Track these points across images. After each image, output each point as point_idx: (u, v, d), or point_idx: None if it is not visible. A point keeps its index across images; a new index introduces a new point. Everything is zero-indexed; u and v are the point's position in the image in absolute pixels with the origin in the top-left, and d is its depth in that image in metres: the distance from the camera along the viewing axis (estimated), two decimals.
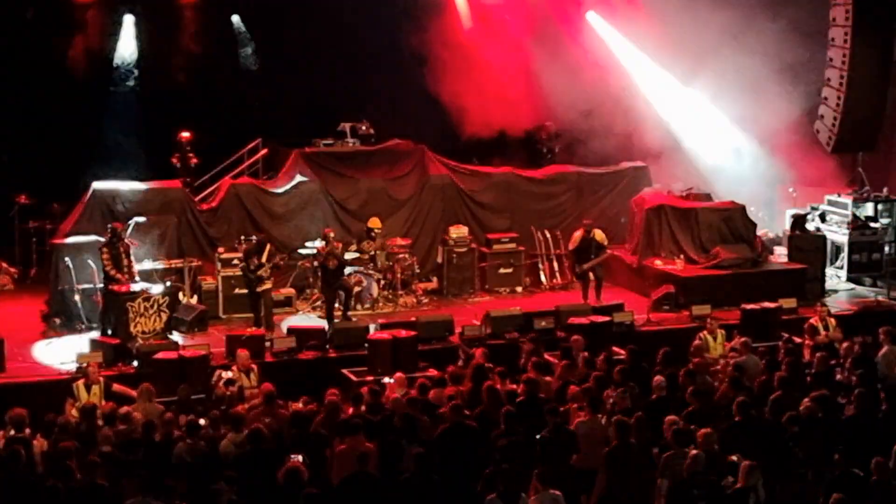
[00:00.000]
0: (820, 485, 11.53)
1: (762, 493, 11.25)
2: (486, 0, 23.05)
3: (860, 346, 15.47)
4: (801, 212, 22.30)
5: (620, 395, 13.32)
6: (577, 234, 20.25)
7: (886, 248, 22.10)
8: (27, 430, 12.82)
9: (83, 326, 18.49)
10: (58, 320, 18.87)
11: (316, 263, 19.41)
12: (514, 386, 14.16)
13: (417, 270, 21.00)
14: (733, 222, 21.41)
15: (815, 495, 11.44)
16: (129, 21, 22.64)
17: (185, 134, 21.55)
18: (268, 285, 18.66)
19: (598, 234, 20.18)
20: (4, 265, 21.19)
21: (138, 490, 10.84)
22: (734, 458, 11.83)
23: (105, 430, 13.08)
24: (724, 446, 12.13)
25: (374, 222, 20.66)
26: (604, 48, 23.31)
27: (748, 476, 11.09)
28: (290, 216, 21.06)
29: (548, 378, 14.68)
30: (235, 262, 19.56)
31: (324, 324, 18.46)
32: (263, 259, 18.57)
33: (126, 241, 18.36)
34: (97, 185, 20.40)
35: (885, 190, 22.73)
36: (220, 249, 20.17)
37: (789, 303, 19.04)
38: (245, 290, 18.94)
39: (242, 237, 20.07)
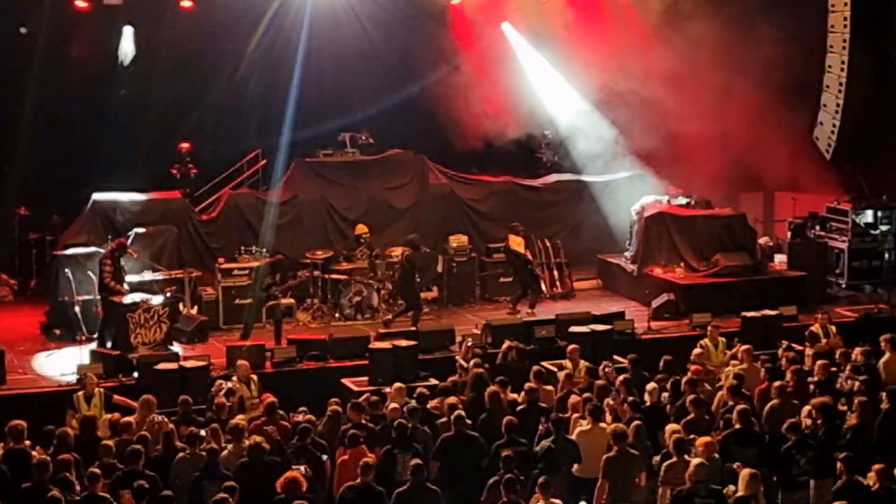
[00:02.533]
0: (822, 493, 11.52)
1: (763, 502, 11.24)
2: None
3: (861, 353, 15.45)
4: (801, 219, 22.29)
5: (620, 403, 13.33)
6: (521, 240, 20.31)
7: (886, 255, 22.08)
8: (26, 442, 12.80)
9: (83, 337, 18.47)
10: (58, 331, 18.87)
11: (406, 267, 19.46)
12: (515, 395, 14.14)
13: (418, 280, 20.97)
14: (733, 230, 21.39)
15: None
16: (128, 32, 22.62)
17: (185, 144, 21.57)
18: (277, 301, 18.71)
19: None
20: (4, 277, 21.17)
21: (136, 501, 10.82)
22: (735, 466, 11.82)
23: (106, 441, 13.08)
24: (725, 454, 12.13)
25: (361, 228, 20.66)
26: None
27: (749, 484, 11.08)
28: (290, 226, 21.07)
29: (548, 387, 14.68)
30: (236, 272, 19.60)
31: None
32: (277, 278, 18.61)
33: (129, 252, 18.36)
34: (97, 196, 20.44)
35: (884, 197, 22.73)
36: (221, 260, 20.17)
37: (790, 310, 19.03)
38: (245, 301, 18.96)
39: (242, 248, 20.09)
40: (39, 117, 21.67)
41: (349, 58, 22.31)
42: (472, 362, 15.42)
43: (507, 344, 16.48)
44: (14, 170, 21.86)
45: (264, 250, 19.71)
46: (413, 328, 18.45)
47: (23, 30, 21.46)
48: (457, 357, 16.65)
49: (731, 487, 11.36)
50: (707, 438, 11.95)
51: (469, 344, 16.96)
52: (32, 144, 21.64)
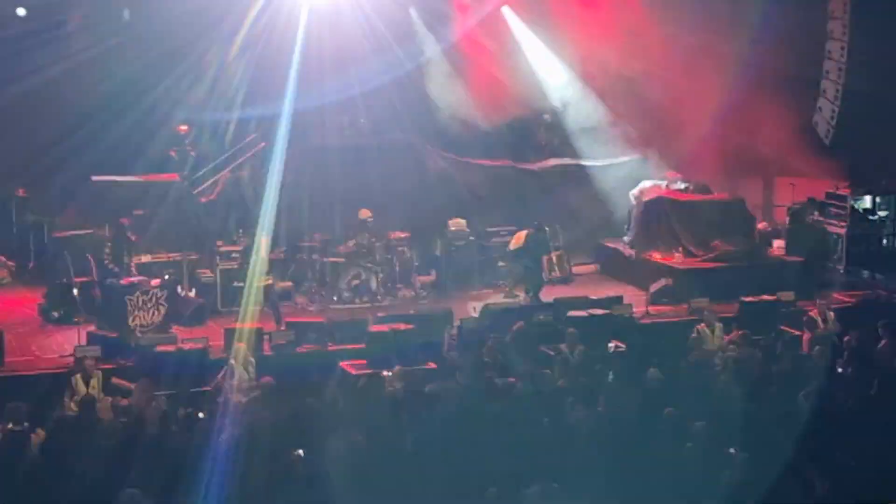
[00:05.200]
0: (817, 477, 11.55)
1: (759, 486, 11.28)
2: None
3: (858, 338, 15.48)
4: (800, 204, 22.30)
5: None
6: (523, 234, 20.27)
7: (885, 241, 22.10)
8: (25, 424, 12.83)
9: (81, 320, 18.48)
10: (56, 314, 18.87)
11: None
12: (514, 379, 14.17)
13: (416, 263, 20.99)
14: (732, 215, 21.42)
15: (811, 487, 11.46)
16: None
17: (184, 127, 21.54)
18: (269, 280, 18.64)
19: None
20: (2, 259, 21.18)
21: (133, 483, 10.84)
22: (731, 450, 11.85)
23: (104, 422, 13.12)
24: (721, 439, 12.15)
25: (364, 213, 20.67)
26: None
27: (745, 469, 11.12)
28: (289, 210, 21.06)
29: (546, 370, 14.71)
30: (234, 255, 19.58)
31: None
32: (262, 253, 18.54)
33: (128, 235, 18.37)
34: (95, 178, 20.41)
35: (883, 182, 22.72)
36: (219, 243, 20.17)
37: (788, 296, 19.05)
38: (242, 284, 18.92)
39: (240, 230, 20.11)
40: (36, 99, 21.65)
41: (347, 40, 22.26)
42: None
43: (520, 324, 16.63)
44: (11, 152, 21.85)
45: (241, 230, 19.67)
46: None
47: (20, 11, 21.42)
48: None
49: (728, 472, 11.38)
50: (701, 423, 11.97)
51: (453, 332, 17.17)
52: (30, 126, 21.62)
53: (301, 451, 11.81)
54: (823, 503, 10.77)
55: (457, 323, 18.06)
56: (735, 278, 20.22)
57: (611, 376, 14.27)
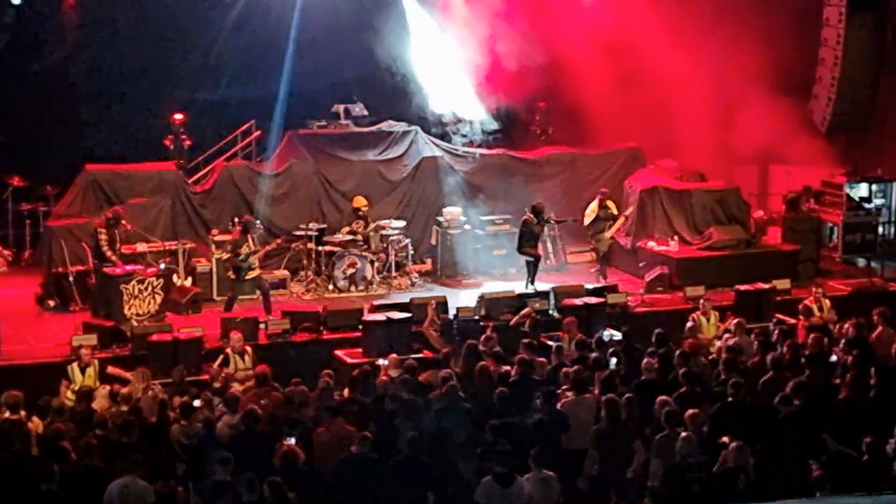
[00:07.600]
0: (811, 465, 11.56)
1: (752, 474, 11.30)
2: None
3: (854, 327, 15.49)
4: (796, 193, 22.31)
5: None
6: (595, 205, 20.36)
7: (880, 229, 22.12)
8: (22, 412, 12.84)
9: (77, 308, 18.48)
10: (52, 302, 18.88)
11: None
12: (508, 367, 14.17)
13: (411, 252, 20.99)
14: (727, 203, 21.42)
15: (805, 476, 11.47)
16: None
17: (179, 116, 21.52)
18: (257, 272, 18.60)
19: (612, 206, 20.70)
20: None
21: (130, 471, 10.84)
22: (725, 439, 11.86)
23: (102, 412, 13.14)
24: (716, 427, 12.17)
25: (359, 201, 20.65)
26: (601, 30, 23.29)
27: (738, 457, 11.14)
28: (284, 198, 21.06)
29: (541, 359, 14.71)
30: (229, 246, 19.56)
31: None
32: (253, 245, 18.50)
33: (123, 224, 18.36)
34: (90, 167, 20.39)
35: (878, 171, 22.74)
36: (214, 231, 20.17)
37: (783, 284, 19.08)
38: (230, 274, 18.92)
39: (235, 219, 20.09)
40: (31, 88, 21.61)
41: (342, 26, 22.28)
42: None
43: (529, 309, 16.65)
44: (7, 140, 21.82)
45: (236, 219, 19.65)
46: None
47: (16, 0, 21.37)
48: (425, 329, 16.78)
49: (723, 458, 11.40)
50: (694, 410, 11.99)
51: (433, 310, 17.17)
52: (25, 115, 21.59)
53: (293, 440, 11.82)
54: (819, 492, 10.75)
55: (452, 312, 18.05)
56: (730, 266, 20.26)
57: (613, 363, 14.27)
